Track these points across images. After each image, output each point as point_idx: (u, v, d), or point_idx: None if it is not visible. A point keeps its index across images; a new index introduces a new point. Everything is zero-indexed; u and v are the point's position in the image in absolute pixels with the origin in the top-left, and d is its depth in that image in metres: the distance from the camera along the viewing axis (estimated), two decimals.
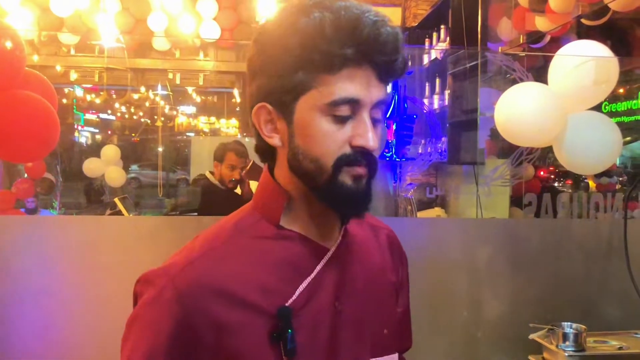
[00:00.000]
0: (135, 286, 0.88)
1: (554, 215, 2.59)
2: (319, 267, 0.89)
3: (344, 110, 0.82)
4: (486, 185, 2.56)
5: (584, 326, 1.83)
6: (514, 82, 2.55)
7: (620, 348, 1.86)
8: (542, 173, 5.26)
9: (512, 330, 1.96)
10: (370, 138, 0.83)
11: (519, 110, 2.01)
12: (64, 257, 1.83)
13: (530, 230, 2.07)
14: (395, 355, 1.00)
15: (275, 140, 0.88)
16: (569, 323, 1.84)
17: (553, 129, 2.01)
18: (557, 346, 1.81)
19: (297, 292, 0.86)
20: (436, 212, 4.72)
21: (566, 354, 1.76)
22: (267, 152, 0.92)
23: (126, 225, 1.86)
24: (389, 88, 0.86)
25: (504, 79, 2.96)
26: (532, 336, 1.85)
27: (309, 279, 0.88)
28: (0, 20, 1.75)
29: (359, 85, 0.82)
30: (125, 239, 1.84)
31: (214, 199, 3.48)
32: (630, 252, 1.91)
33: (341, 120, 0.83)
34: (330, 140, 0.83)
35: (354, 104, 0.83)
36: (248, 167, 4.04)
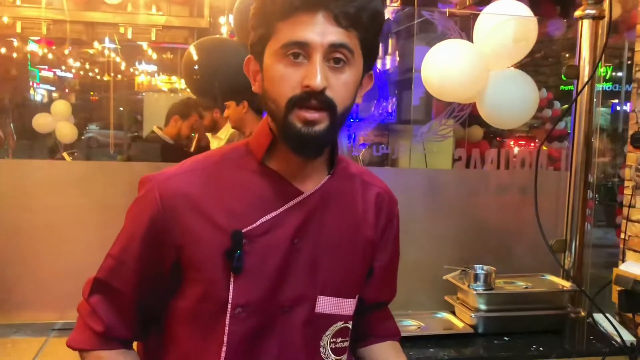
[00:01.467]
0: (139, 184, 1.04)
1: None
2: (286, 206, 0.99)
3: (295, 53, 0.90)
4: (418, 141, 2.66)
5: (493, 268, 1.98)
6: None
7: (525, 287, 2.01)
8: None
9: (431, 273, 2.09)
10: (316, 78, 0.89)
11: (444, 67, 2.10)
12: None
13: (449, 179, 2.20)
14: (350, 300, 1.08)
15: (256, 86, 1.00)
16: (480, 265, 1.99)
17: (476, 85, 2.11)
18: (468, 286, 1.95)
19: (259, 222, 0.97)
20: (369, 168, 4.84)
21: (475, 293, 1.91)
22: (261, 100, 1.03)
23: (60, 170, 1.90)
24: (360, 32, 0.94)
25: (444, 38, 3.03)
26: (446, 277, 1.99)
27: (272, 214, 0.98)
28: None
29: (309, 30, 0.90)
30: (60, 183, 1.89)
31: (163, 155, 3.52)
32: (541, 202, 2.05)
33: (294, 64, 0.91)
34: (284, 81, 0.92)
35: (305, 46, 0.90)
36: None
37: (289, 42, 0.91)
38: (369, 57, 0.99)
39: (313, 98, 0.91)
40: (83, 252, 1.82)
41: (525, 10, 2.07)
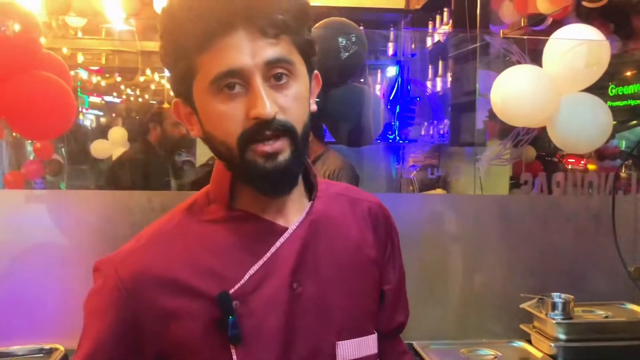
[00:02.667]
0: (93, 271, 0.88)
1: (549, 193, 2.68)
2: (273, 249, 0.85)
3: (230, 84, 0.77)
4: (482, 165, 2.65)
5: (571, 296, 1.94)
6: (513, 64, 2.62)
7: (605, 317, 1.96)
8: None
9: (504, 301, 2.06)
10: (263, 105, 0.76)
11: (514, 92, 2.09)
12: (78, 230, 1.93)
13: (522, 206, 2.17)
14: (372, 337, 0.94)
15: (194, 131, 0.85)
16: (557, 293, 1.95)
17: (546, 109, 2.09)
18: (546, 315, 1.91)
19: (247, 277, 0.82)
20: (438, 192, 4.81)
21: (554, 322, 1.87)
22: None
23: (138, 199, 1.96)
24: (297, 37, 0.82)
25: (504, 61, 3.02)
26: (523, 305, 1.96)
27: (260, 262, 0.84)
28: (17, 3, 1.83)
29: (237, 54, 0.76)
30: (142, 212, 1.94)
31: None
32: (617, 227, 2.01)
33: (232, 96, 0.78)
34: (227, 119, 0.78)
35: (238, 74, 0.77)
36: None
37: (218, 75, 0.77)
38: (309, 57, 0.85)
39: (266, 128, 0.77)
40: None
41: (597, 34, 2.05)
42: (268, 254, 0.84)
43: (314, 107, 0.87)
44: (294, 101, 0.80)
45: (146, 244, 0.86)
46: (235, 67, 0.76)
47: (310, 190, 0.93)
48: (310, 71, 0.86)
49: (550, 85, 2.08)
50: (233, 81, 0.77)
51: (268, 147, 0.78)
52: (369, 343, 0.93)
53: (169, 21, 0.79)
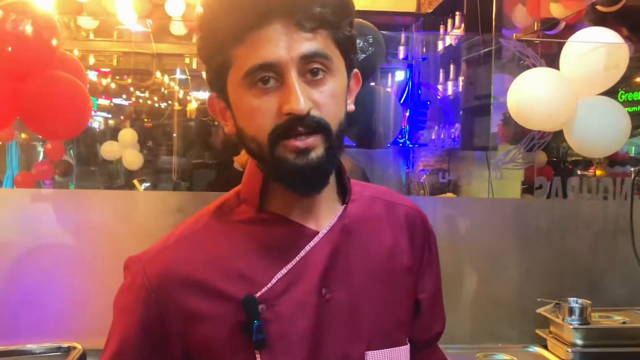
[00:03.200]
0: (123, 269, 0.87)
1: (564, 198, 2.66)
2: (302, 253, 0.83)
3: (265, 78, 0.75)
4: (497, 169, 2.62)
5: (589, 301, 1.91)
6: (527, 68, 2.60)
7: (623, 322, 1.94)
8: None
9: (521, 306, 2.04)
10: (297, 100, 0.74)
11: (531, 95, 2.08)
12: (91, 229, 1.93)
13: (538, 210, 2.15)
14: (404, 347, 0.91)
15: (227, 127, 0.84)
16: (574, 298, 1.93)
17: (563, 113, 2.08)
18: (563, 320, 1.89)
19: (274, 280, 0.81)
20: (448, 196, 4.79)
21: (571, 327, 1.85)
22: None
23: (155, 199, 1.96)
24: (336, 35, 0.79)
25: (518, 65, 3.00)
26: (539, 310, 1.94)
27: (288, 266, 0.82)
28: (36, 4, 1.84)
29: (272, 47, 0.74)
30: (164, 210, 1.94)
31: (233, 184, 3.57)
32: (635, 232, 1.99)
33: (265, 91, 0.76)
34: (259, 114, 0.76)
35: (273, 68, 0.75)
36: None
37: (252, 67, 0.75)
38: (349, 54, 0.83)
39: (299, 124, 0.75)
40: None
41: (615, 37, 2.04)
42: (297, 258, 0.82)
43: (351, 107, 0.84)
44: (329, 98, 0.78)
45: (174, 244, 0.85)
46: (270, 60, 0.74)
47: (344, 192, 0.90)
48: (349, 69, 0.84)
49: (568, 88, 2.06)
50: (267, 75, 0.75)
51: (300, 142, 0.76)
52: (401, 354, 0.90)
53: (207, 12, 0.78)
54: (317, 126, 0.76)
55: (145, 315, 0.82)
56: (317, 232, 0.84)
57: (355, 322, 0.85)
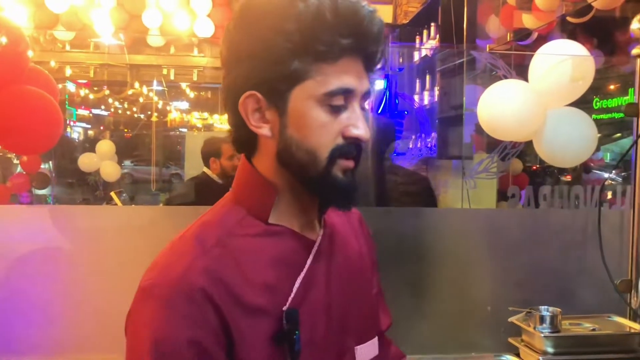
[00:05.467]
0: (133, 304, 0.82)
1: (536, 207, 2.70)
2: (309, 262, 0.87)
3: (339, 100, 0.81)
4: (470, 178, 2.66)
5: (559, 309, 1.94)
6: (499, 79, 2.65)
7: (593, 330, 1.97)
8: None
9: (493, 315, 2.06)
10: (365, 129, 0.82)
11: (500, 106, 2.11)
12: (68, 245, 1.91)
13: (510, 220, 2.18)
14: (376, 339, 0.99)
15: (264, 130, 0.84)
16: (545, 307, 1.95)
17: (533, 123, 2.11)
18: (534, 328, 1.92)
19: (295, 289, 0.84)
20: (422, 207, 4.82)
21: (542, 335, 1.87)
22: (247, 143, 0.88)
23: (126, 215, 1.95)
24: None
25: (490, 76, 3.05)
26: (511, 319, 1.96)
27: (302, 275, 0.85)
28: (4, 16, 1.83)
29: (353, 75, 0.81)
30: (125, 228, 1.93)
31: (213, 194, 3.56)
32: (603, 240, 2.03)
33: (336, 111, 0.81)
34: (326, 131, 0.81)
35: (348, 94, 0.82)
36: None
37: (338, 89, 0.81)
38: None
39: (357, 149, 0.84)
40: None
41: (582, 50, 2.08)
42: (306, 267, 0.87)
43: None
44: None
45: (198, 258, 0.81)
46: (351, 86, 0.82)
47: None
48: None
49: (537, 100, 2.10)
50: (345, 97, 0.82)
51: (350, 163, 0.84)
52: (375, 344, 0.98)
53: (313, 23, 0.78)
54: (360, 152, 0.86)
55: (197, 335, 0.77)
56: (314, 242, 0.90)
57: (345, 322, 0.91)
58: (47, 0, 4.87)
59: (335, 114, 0.82)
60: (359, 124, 0.82)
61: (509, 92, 2.12)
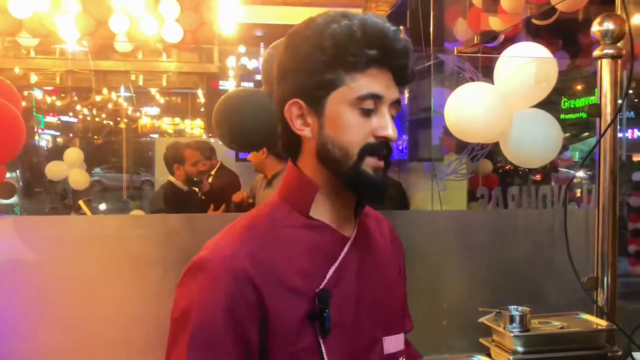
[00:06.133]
0: (183, 277, 0.96)
1: (505, 207, 2.73)
2: (343, 254, 1.00)
3: (369, 104, 0.95)
4: (440, 180, 2.68)
5: (528, 308, 1.96)
6: (467, 81, 2.67)
7: (562, 327, 2.00)
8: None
9: (464, 315, 2.08)
10: (394, 129, 0.96)
11: (467, 109, 2.14)
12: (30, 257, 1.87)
13: (479, 221, 2.20)
14: (402, 335, 1.11)
15: (306, 132, 0.99)
16: (514, 306, 1.97)
17: (499, 125, 2.14)
18: (504, 328, 1.94)
19: (328, 276, 0.97)
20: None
21: (512, 335, 1.89)
22: (292, 147, 1.03)
23: (92, 225, 1.91)
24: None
25: (457, 78, 3.09)
26: (481, 319, 1.98)
27: (336, 264, 0.99)
28: None
29: (381, 83, 0.95)
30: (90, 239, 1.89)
31: (179, 202, 3.53)
32: (570, 240, 2.06)
33: (366, 113, 0.95)
34: (357, 130, 0.95)
35: (377, 99, 0.95)
36: (216, 168, 4.10)
37: (368, 94, 0.95)
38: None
39: (385, 148, 0.97)
40: (118, 303, 1.82)
41: (545, 52, 2.12)
42: (340, 258, 1.00)
43: None
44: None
45: (246, 243, 0.96)
46: (380, 92, 0.95)
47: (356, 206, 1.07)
48: None
49: (502, 102, 2.13)
50: (374, 102, 0.95)
51: (379, 162, 0.96)
52: (401, 340, 1.10)
53: (345, 39, 0.94)
54: (389, 152, 0.98)
55: (232, 306, 0.91)
56: (349, 238, 1.03)
57: (374, 312, 1.04)
58: (10, 6, 4.77)
59: (366, 117, 0.95)
60: (387, 126, 0.95)
61: (475, 94, 2.15)
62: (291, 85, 0.98)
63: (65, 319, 1.80)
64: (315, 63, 0.95)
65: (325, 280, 0.97)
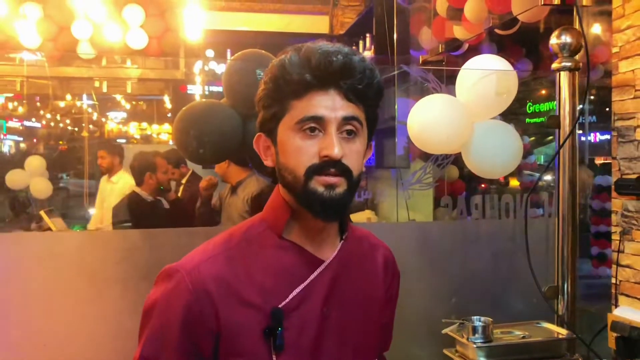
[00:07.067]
0: (156, 280, 1.03)
1: (468, 214, 2.76)
2: (312, 277, 1.03)
3: (311, 127, 0.97)
4: (404, 189, 2.70)
5: (490, 319, 1.98)
6: (430, 92, 2.70)
7: (523, 337, 2.02)
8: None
9: (428, 326, 2.09)
10: (334, 149, 0.96)
11: (428, 120, 2.15)
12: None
13: (439, 231, 2.22)
14: None
15: (268, 162, 1.05)
16: (477, 317, 1.99)
17: (460, 136, 2.16)
18: (467, 339, 1.95)
19: (290, 296, 1.00)
20: (367, 214, 4.86)
21: (475, 346, 1.91)
22: (273, 172, 1.07)
23: (49, 241, 1.86)
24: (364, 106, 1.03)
25: (422, 88, 3.11)
26: (444, 331, 1.99)
27: (301, 286, 1.02)
28: None
29: (322, 106, 0.97)
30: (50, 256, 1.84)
31: (144, 213, 3.48)
32: (531, 248, 2.09)
33: (310, 137, 0.98)
34: (301, 153, 0.98)
35: (319, 121, 0.97)
36: (187, 176, 4.05)
37: (305, 117, 0.97)
38: (371, 128, 1.06)
39: (332, 166, 0.97)
40: (76, 322, 1.77)
41: (505, 65, 2.14)
42: (307, 281, 1.02)
43: (362, 168, 1.05)
44: (355, 153, 1.00)
45: (214, 257, 1.02)
46: (319, 114, 0.97)
47: (341, 231, 1.11)
48: (369, 139, 1.07)
49: (464, 113, 2.15)
50: (314, 125, 0.97)
51: (329, 178, 0.97)
52: None
53: (278, 71, 0.99)
54: (343, 170, 0.97)
55: (187, 313, 0.97)
56: (323, 261, 1.05)
57: (344, 337, 1.06)
58: None
59: (311, 139, 0.98)
60: (329, 145, 0.96)
61: (436, 105, 2.16)
62: (258, 120, 1.05)
63: (20, 338, 1.75)
64: (265, 98, 1.02)
65: (287, 300, 1.00)
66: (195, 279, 0.98)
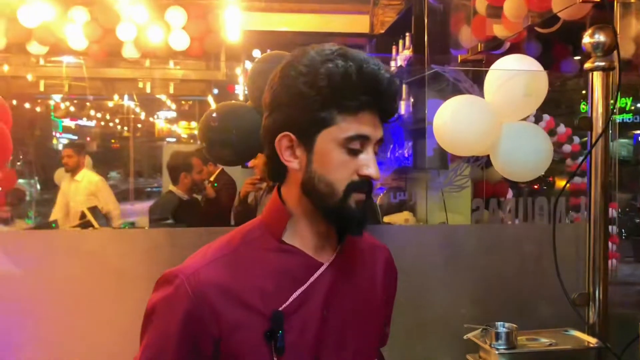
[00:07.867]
0: (155, 284, 1.05)
1: (501, 219, 2.70)
2: (311, 279, 1.04)
3: (356, 145, 1.00)
4: (435, 192, 2.67)
5: (515, 325, 1.93)
6: (462, 92, 2.65)
7: (549, 345, 1.96)
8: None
9: (451, 331, 2.05)
10: (377, 170, 1.01)
11: (456, 121, 2.11)
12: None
13: (467, 235, 2.18)
14: None
15: (293, 164, 1.04)
16: (501, 323, 1.95)
17: (488, 138, 2.11)
18: (490, 345, 1.91)
19: (290, 299, 1.02)
20: (404, 215, 4.82)
21: (497, 352, 1.86)
22: (279, 173, 1.08)
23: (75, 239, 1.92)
24: None
25: (454, 89, 3.06)
26: (467, 336, 1.95)
27: (302, 289, 1.03)
28: None
29: (369, 125, 1.01)
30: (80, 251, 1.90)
31: (182, 212, 3.56)
32: (561, 254, 2.02)
33: (353, 153, 1.00)
34: (344, 168, 1.00)
35: (365, 140, 1.00)
36: (217, 173, 4.13)
37: (356, 135, 1.00)
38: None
39: (368, 185, 1.02)
40: (100, 320, 1.83)
41: (535, 65, 2.09)
42: (307, 284, 1.04)
43: None
44: None
45: (213, 261, 1.03)
46: (367, 134, 1.01)
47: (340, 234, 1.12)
48: None
49: (492, 114, 2.11)
50: (360, 142, 1.00)
51: (362, 196, 1.02)
52: None
53: (323, 77, 0.98)
54: (370, 189, 1.03)
55: (187, 318, 0.99)
56: (322, 264, 1.06)
57: (344, 338, 1.07)
58: (19, 15, 4.85)
59: (352, 156, 1.00)
60: (371, 164, 1.00)
61: (463, 107, 2.13)
62: (284, 117, 1.02)
63: (48, 334, 1.82)
64: (310, 101, 0.99)
65: (287, 303, 1.01)
66: (195, 284, 0.99)
